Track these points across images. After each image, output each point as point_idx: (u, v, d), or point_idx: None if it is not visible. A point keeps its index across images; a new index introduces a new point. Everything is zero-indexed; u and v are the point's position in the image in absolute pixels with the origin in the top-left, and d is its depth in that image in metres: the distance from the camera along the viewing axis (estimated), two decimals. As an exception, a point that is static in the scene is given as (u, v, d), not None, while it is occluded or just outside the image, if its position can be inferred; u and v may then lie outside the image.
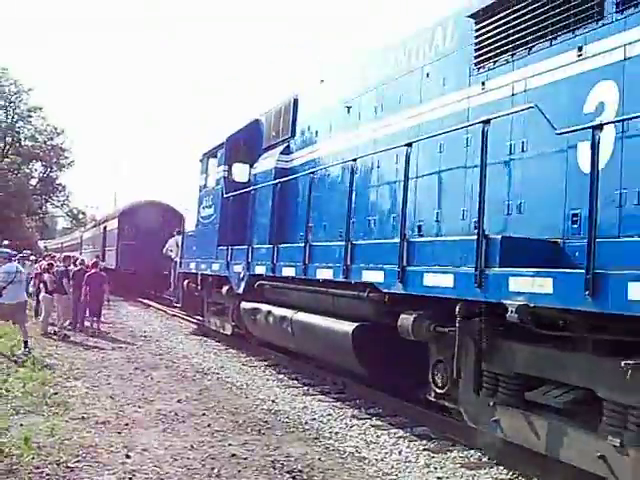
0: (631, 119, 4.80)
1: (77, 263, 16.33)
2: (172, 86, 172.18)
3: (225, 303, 12.53)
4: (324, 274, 8.06)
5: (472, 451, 6.31)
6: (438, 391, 6.41)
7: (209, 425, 7.06)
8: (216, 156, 13.36)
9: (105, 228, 33.37)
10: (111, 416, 7.24)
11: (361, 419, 7.57)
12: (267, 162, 11.43)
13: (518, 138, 5.99)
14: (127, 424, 6.95)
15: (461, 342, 5.85)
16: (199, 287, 13.85)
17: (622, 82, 5.08)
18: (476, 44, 6.62)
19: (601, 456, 4.67)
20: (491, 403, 5.72)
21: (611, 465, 4.61)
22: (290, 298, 9.51)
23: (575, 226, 5.34)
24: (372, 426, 7.26)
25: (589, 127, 4.65)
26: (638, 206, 4.87)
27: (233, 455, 6.00)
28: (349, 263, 7.45)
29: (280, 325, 9.46)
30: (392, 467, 5.93)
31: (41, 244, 60.48)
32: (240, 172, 12.41)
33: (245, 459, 5.92)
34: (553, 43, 5.75)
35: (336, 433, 7.00)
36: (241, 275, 10.97)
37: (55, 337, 13.54)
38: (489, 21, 6.45)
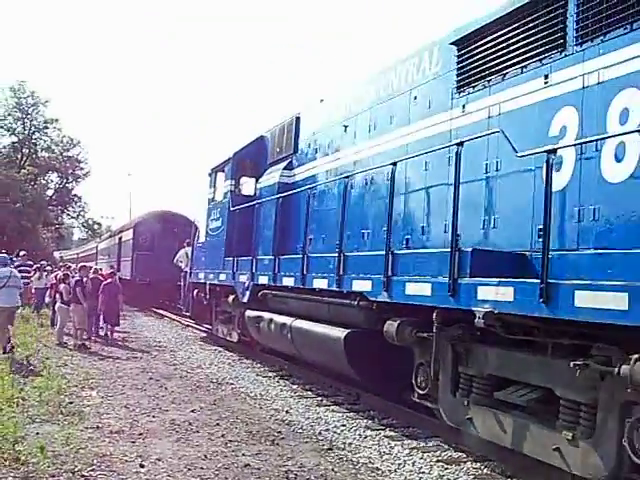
0: (586, 143, 5.39)
1: (91, 272, 16.52)
2: (179, 89, 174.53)
3: (231, 312, 13.21)
4: (320, 284, 8.70)
5: (485, 462, 6.41)
6: (420, 392, 6.98)
7: (223, 435, 7.17)
8: (224, 171, 14.12)
9: (120, 239, 33.99)
10: (125, 425, 7.39)
11: (375, 430, 7.68)
12: (271, 177, 12.12)
13: (493, 158, 6.55)
14: (141, 434, 7.07)
15: (439, 347, 6.44)
16: (207, 296, 14.55)
17: (581, 108, 5.64)
18: (457, 70, 7.21)
19: (556, 448, 5.22)
20: (465, 403, 6.29)
21: (564, 456, 5.16)
22: (290, 306, 10.18)
23: (540, 240, 5.88)
24: (386, 437, 7.36)
25: (544, 151, 5.23)
26: (594, 221, 5.42)
27: (247, 465, 6.10)
28: (341, 273, 8.08)
29: (280, 332, 10.10)
30: (405, 478, 6.05)
31: (57, 255, 61.46)
32: (247, 186, 13.11)
33: (258, 469, 6.02)
34: (523, 71, 6.33)
35: (349, 444, 7.11)
36: (246, 285, 11.63)
37: (71, 347, 13.87)
38: (468, 49, 7.04)
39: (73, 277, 15.26)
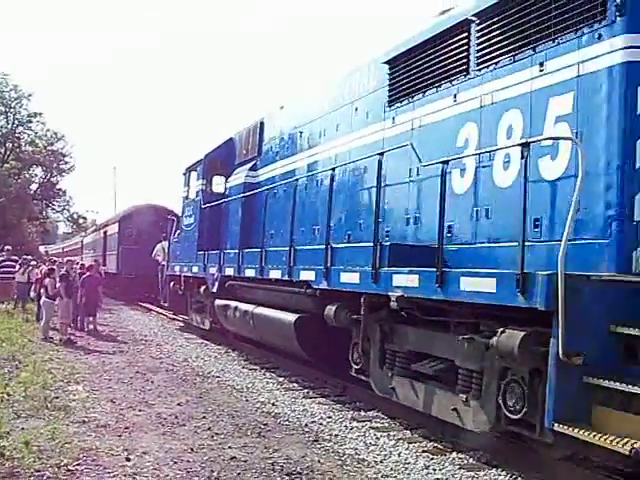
0: (480, 154, 6.61)
1: (74, 267, 17.46)
2: (165, 81, 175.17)
3: (204, 301, 14.48)
4: (275, 274, 9.96)
5: (471, 453, 6.59)
6: (356, 367, 8.23)
7: (209, 428, 7.29)
8: (197, 170, 15.39)
9: (106, 232, 34.65)
10: (111, 419, 7.52)
11: (360, 421, 7.89)
12: (238, 177, 13.39)
13: (415, 164, 7.74)
14: (127, 427, 7.18)
15: (368, 327, 7.69)
16: (183, 288, 15.84)
17: (480, 124, 6.85)
18: (389, 86, 8.41)
19: (454, 409, 6.46)
20: (390, 374, 7.54)
21: (460, 415, 6.39)
22: (252, 295, 11.46)
23: (449, 235, 7.08)
24: (371, 428, 7.56)
25: (440, 162, 6.45)
26: (488, 219, 6.64)
27: (233, 458, 6.19)
28: (292, 265, 9.32)
29: (244, 318, 11.36)
30: (391, 469, 6.15)
31: (42, 249, 62.13)
32: (218, 184, 14.33)
33: (245, 462, 6.10)
34: (438, 90, 7.53)
35: (335, 435, 7.28)
36: (215, 276, 12.89)
37: (56, 341, 14.10)
38: (397, 68, 8.26)
39: (59, 271, 15.80)
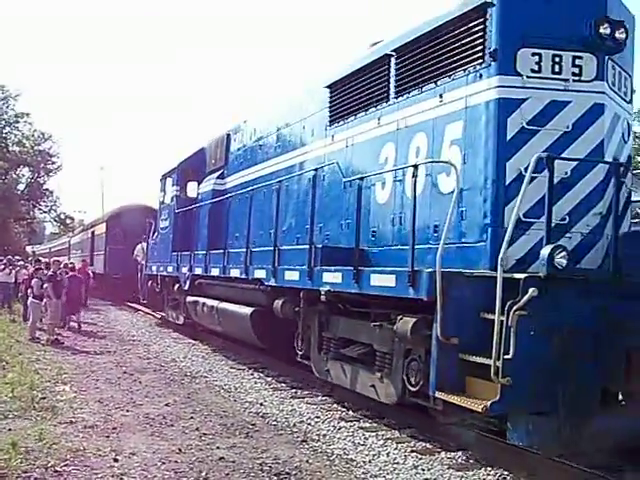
0: (390, 171, 8.02)
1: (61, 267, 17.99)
2: (153, 79, 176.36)
3: (178, 298, 16.01)
4: (235, 273, 11.43)
5: (460, 452, 6.87)
6: (300, 353, 9.64)
7: (197, 428, 7.49)
8: (172, 177, 16.84)
9: (93, 233, 35.66)
10: (99, 420, 7.71)
11: (349, 421, 8.20)
12: (208, 184, 14.93)
13: (348, 177, 9.10)
14: (115, 428, 7.37)
15: (308, 318, 9.10)
16: (160, 286, 17.33)
17: (396, 144, 8.25)
18: (330, 108, 9.80)
19: (372, 385, 7.86)
20: (325, 358, 8.94)
21: (376, 390, 7.79)
22: (217, 292, 12.99)
23: (373, 238, 8.48)
24: (360, 428, 7.85)
25: (357, 178, 7.87)
26: (401, 226, 8.04)
27: (221, 458, 6.36)
28: (248, 264, 10.75)
29: (210, 313, 12.84)
30: (380, 469, 6.36)
31: (29, 249, 63.29)
32: (191, 189, 15.80)
33: (233, 462, 6.26)
34: (366, 113, 8.92)
35: (324, 435, 7.53)
36: (186, 275, 14.41)
37: (44, 342, 14.41)
38: (335, 92, 9.66)
39: (45, 272, 16.27)
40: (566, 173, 6.64)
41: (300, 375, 10.61)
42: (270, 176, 11.40)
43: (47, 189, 57.77)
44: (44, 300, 15.40)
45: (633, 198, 7.87)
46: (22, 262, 26.45)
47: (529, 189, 6.18)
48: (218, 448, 6.75)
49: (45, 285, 15.38)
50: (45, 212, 60.35)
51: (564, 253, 5.90)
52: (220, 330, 13.27)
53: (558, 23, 6.83)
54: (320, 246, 8.69)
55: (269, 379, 10.98)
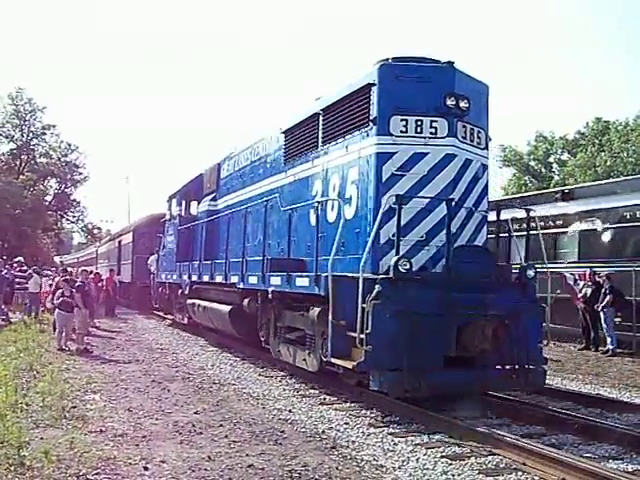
0: (317, 203, 11.61)
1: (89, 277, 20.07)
2: (177, 90, 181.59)
3: (182, 302, 19.83)
4: (219, 279, 15.24)
5: (490, 457, 7.18)
6: (262, 340, 13.31)
7: (226, 436, 7.85)
8: (176, 198, 21.17)
9: (120, 242, 38.41)
10: (129, 428, 8.09)
11: (378, 427, 8.60)
12: (204, 205, 18.98)
13: (294, 204, 12.69)
14: (145, 436, 7.72)
15: (265, 312, 12.80)
16: (168, 292, 21.35)
17: (324, 181, 11.80)
18: (284, 149, 13.46)
19: (304, 359, 11.44)
20: (278, 342, 12.57)
21: (306, 362, 11.36)
22: (208, 294, 16.89)
23: (308, 251, 12.00)
24: (389, 434, 8.20)
25: (288, 209, 11.50)
26: (324, 242, 11.55)
27: (250, 466, 6.64)
28: (227, 272, 14.51)
29: (204, 312, 16.71)
30: (410, 475, 6.57)
31: (57, 259, 67.51)
32: (193, 207, 19.73)
33: (262, 469, 6.55)
34: (305, 155, 12.51)
35: (353, 442, 7.85)
36: (186, 281, 18.39)
37: (72, 351, 15.17)
38: (287, 138, 13.31)
39: (75, 282, 16.99)
40: (424, 205, 10.10)
41: (328, 382, 11.45)
42: (244, 201, 15.20)
43: (74, 200, 61.83)
44: (74, 310, 15.92)
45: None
46: (50, 272, 29.42)
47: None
48: (247, 455, 7.10)
49: (73, 294, 15.99)
50: (73, 222, 64.44)
51: (406, 261, 9.37)
52: (212, 326, 17.10)
53: (419, 98, 10.31)
54: (269, 257, 12.32)
55: (297, 386, 11.78)
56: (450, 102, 10.26)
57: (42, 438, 7.49)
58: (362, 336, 9.10)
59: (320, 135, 12.00)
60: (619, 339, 17.86)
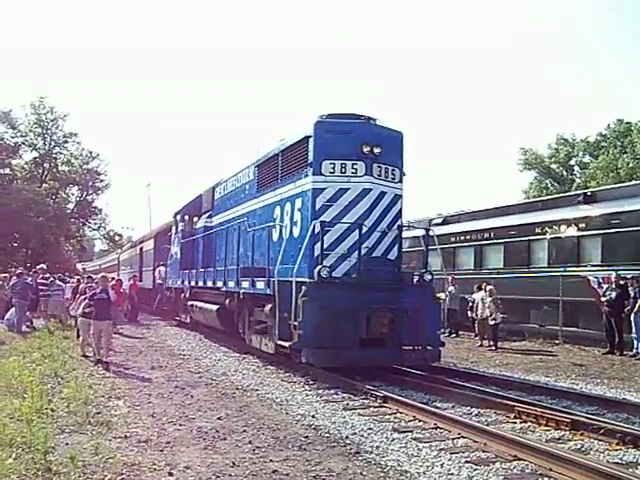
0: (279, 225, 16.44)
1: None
2: (197, 95, 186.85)
3: (184, 304, 24.89)
4: (209, 283, 20.39)
5: (515, 462, 7.46)
6: (240, 332, 18.24)
7: (250, 442, 8.19)
8: (180, 214, 26.64)
9: (142, 249, 41.01)
10: (153, 434, 8.41)
11: (402, 432, 8.85)
12: (202, 221, 24.27)
13: (263, 223, 17.44)
14: (169, 442, 8.07)
15: (241, 310, 17.73)
16: (174, 296, 26.66)
17: (281, 208, 16.58)
18: (257, 180, 18.36)
19: (266, 344, 16.27)
20: (250, 333, 17.41)
21: (268, 347, 16.14)
22: (203, 297, 21.99)
23: (267, 261, 16.68)
24: (413, 439, 8.48)
25: (252, 230, 16.38)
26: (279, 254, 16.32)
27: (275, 471, 7.00)
28: (215, 278, 19.60)
29: (199, 311, 21.85)
30: None
31: (79, 266, 72.14)
32: (193, 224, 24.99)
33: (287, 475, 6.90)
34: (270, 186, 17.37)
35: (377, 447, 8.11)
36: (187, 286, 23.76)
37: (92, 359, 15.70)
38: (259, 170, 18.24)
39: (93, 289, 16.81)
40: (346, 228, 14.77)
41: (351, 387, 12.35)
42: (230, 220, 20.30)
43: (96, 207, 65.36)
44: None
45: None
46: (70, 278, 31.72)
47: (327, 236, 14.32)
48: (271, 461, 7.41)
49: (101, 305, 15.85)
50: (94, 229, 68.15)
51: (326, 270, 14.06)
52: (205, 322, 22.12)
53: (343, 146, 14.98)
54: (241, 266, 17.22)
55: (320, 391, 12.39)
56: (366, 149, 14.91)
57: (67, 444, 8.00)
58: (295, 323, 13.77)
59: (280, 171, 16.80)
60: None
